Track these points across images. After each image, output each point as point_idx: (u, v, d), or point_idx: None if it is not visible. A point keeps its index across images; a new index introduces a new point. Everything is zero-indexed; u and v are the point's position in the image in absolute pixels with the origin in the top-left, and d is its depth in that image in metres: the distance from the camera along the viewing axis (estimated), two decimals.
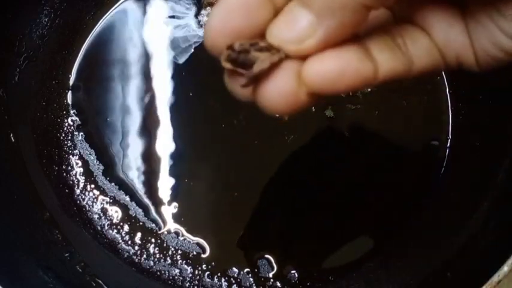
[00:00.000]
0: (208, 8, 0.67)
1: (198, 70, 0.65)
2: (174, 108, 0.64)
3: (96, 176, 0.62)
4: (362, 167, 0.62)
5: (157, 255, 0.60)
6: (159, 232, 0.61)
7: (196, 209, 0.61)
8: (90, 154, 0.63)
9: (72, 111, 0.64)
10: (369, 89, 0.64)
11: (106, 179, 0.62)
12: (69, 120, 0.64)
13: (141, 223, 0.61)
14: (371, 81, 0.30)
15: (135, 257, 0.60)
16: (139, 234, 0.61)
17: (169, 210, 0.61)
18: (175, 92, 0.64)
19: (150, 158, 0.63)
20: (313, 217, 0.61)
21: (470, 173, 0.60)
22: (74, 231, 0.60)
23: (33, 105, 0.63)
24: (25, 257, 0.53)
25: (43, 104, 0.64)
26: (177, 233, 0.61)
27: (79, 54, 0.66)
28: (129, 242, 0.61)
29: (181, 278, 0.60)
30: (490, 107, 0.60)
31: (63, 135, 0.64)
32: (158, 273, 0.60)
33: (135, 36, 0.67)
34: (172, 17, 0.67)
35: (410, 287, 0.56)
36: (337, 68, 0.28)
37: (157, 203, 0.61)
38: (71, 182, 0.62)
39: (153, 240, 0.61)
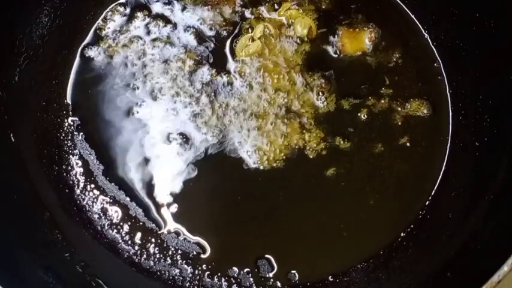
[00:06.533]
0: (208, 8, 0.67)
1: (198, 70, 0.65)
2: (174, 108, 0.64)
3: (96, 176, 0.62)
4: (362, 168, 0.62)
5: (157, 255, 0.60)
6: (159, 232, 0.61)
7: (196, 209, 0.61)
8: (90, 154, 0.63)
9: (72, 111, 0.64)
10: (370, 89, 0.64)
11: (106, 179, 0.62)
12: (69, 120, 0.64)
13: (141, 223, 0.61)
14: None
15: (135, 257, 0.60)
16: (139, 234, 0.61)
17: (169, 210, 0.61)
18: (175, 91, 0.64)
19: (150, 158, 0.63)
20: (313, 218, 0.61)
21: (470, 173, 0.60)
22: (74, 231, 0.60)
23: (33, 105, 0.63)
24: (25, 257, 0.53)
25: (43, 104, 0.64)
26: (177, 233, 0.61)
27: (79, 54, 0.66)
28: (129, 242, 0.61)
29: (181, 278, 0.60)
30: (490, 107, 0.60)
31: (63, 135, 0.64)
32: (158, 273, 0.60)
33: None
34: (172, 17, 0.67)
35: (410, 287, 0.56)
36: None
37: (157, 203, 0.61)
38: (71, 182, 0.62)
39: (153, 240, 0.61)
